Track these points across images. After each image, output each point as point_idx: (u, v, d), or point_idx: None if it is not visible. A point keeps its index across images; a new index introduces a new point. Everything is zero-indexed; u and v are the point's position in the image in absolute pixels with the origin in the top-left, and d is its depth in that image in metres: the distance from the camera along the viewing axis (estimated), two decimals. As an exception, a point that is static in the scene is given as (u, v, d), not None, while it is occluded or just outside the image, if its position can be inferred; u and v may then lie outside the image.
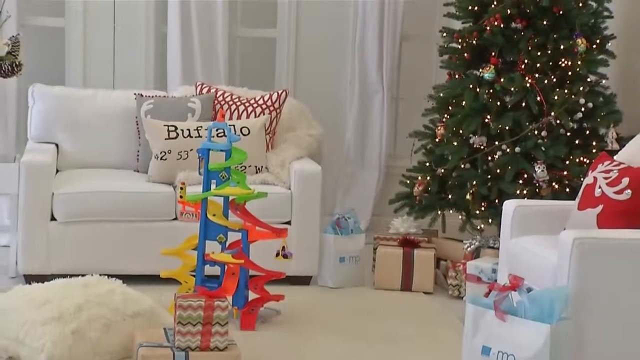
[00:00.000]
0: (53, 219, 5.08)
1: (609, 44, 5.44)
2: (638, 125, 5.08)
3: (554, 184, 5.15)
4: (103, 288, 4.13)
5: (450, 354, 4.22)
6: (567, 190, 5.11)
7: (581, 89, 5.24)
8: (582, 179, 4.65)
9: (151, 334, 3.86)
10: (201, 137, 5.21)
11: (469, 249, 5.26)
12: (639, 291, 3.69)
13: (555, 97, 5.18)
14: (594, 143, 5.27)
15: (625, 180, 4.16)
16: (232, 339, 3.78)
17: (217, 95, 5.68)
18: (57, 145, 5.58)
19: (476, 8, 5.44)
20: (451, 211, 5.53)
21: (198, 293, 3.85)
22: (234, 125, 5.32)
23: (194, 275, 4.53)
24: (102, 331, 3.90)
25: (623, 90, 5.66)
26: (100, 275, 4.30)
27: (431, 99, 5.73)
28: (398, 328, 4.66)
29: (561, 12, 5.28)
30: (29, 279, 4.91)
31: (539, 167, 5.14)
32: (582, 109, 5.22)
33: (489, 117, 5.29)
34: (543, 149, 5.17)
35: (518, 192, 5.11)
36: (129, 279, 4.47)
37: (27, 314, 3.92)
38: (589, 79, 5.33)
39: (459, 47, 5.52)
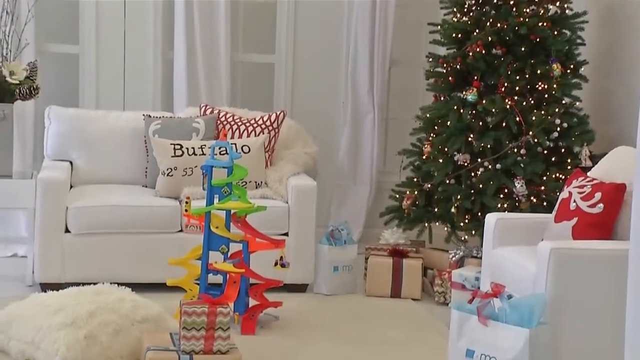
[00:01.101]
0: (67, 231, 5.07)
1: (582, 69, 5.46)
2: (609, 143, 5.09)
3: (532, 198, 5.16)
4: (113, 295, 4.12)
5: (436, 356, 4.21)
6: (545, 204, 5.11)
7: (557, 110, 5.25)
8: (558, 194, 4.65)
9: (158, 338, 3.84)
10: (205, 154, 5.22)
11: (453, 258, 5.25)
12: (610, 298, 3.69)
13: (533, 118, 5.19)
14: (569, 160, 5.27)
15: (598, 195, 4.16)
16: (233, 343, 3.77)
17: (220, 116, 5.68)
18: (71, 162, 5.57)
19: (460, 35, 5.45)
20: (437, 223, 5.53)
21: (202, 300, 3.84)
22: (235, 144, 5.32)
23: (198, 284, 4.52)
24: (112, 336, 3.89)
25: (595, 111, 5.67)
26: (111, 283, 4.30)
27: (418, 119, 5.73)
28: (388, 332, 4.66)
29: (538, 40, 5.29)
30: (45, 287, 4.89)
31: (518, 183, 5.14)
32: (558, 129, 5.24)
33: (472, 136, 5.29)
34: (522, 165, 5.18)
35: (499, 205, 5.11)
36: (138, 287, 4.47)
37: (42, 319, 3.91)
38: (563, 101, 5.34)
39: (444, 71, 5.54)
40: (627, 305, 2.91)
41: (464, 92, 5.36)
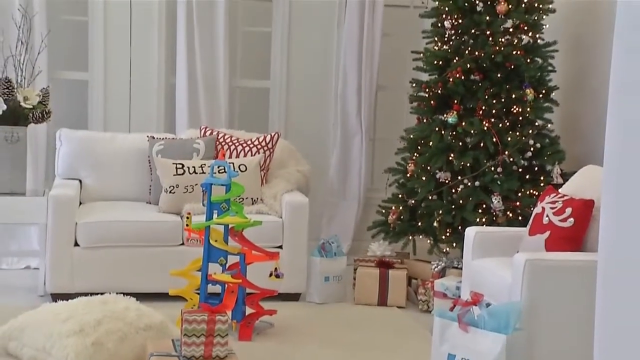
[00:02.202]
0: (76, 244, 5.06)
1: (553, 94, 5.48)
2: (578, 162, 5.11)
3: (508, 213, 5.17)
4: (119, 305, 4.11)
5: (420, 360, 4.22)
6: (520, 218, 5.12)
7: (530, 131, 5.27)
8: (532, 209, 4.66)
9: (161, 344, 3.83)
10: (205, 173, 5.22)
11: (436, 269, 5.25)
12: (580, 305, 3.68)
13: (509, 139, 5.20)
14: (542, 178, 5.28)
15: (569, 210, 4.17)
16: (231, 349, 3.75)
17: (219, 137, 5.69)
18: (80, 181, 5.57)
19: (440, 62, 5.47)
20: (421, 236, 5.53)
21: (202, 309, 3.83)
22: (233, 163, 5.33)
23: (198, 293, 4.51)
24: (118, 342, 3.88)
25: (565, 132, 5.69)
26: (117, 293, 4.29)
27: (403, 140, 5.75)
28: (375, 338, 4.65)
29: (512, 67, 5.31)
30: (55, 297, 4.88)
31: (495, 199, 5.15)
32: (531, 149, 5.25)
33: (452, 155, 5.30)
34: (499, 182, 5.19)
35: (478, 220, 5.12)
36: (142, 296, 4.46)
37: (53, 327, 3.90)
38: (536, 123, 5.36)
39: (426, 95, 5.55)
40: (595, 312, 2.91)
41: (445, 115, 5.38)
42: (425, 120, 5.58)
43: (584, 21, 5.73)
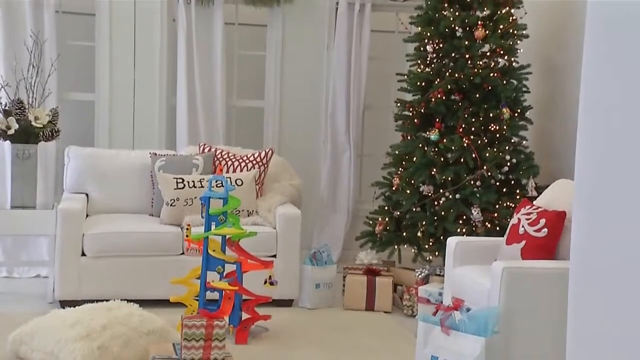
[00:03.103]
0: (83, 254, 5.04)
1: (527, 113, 5.49)
2: (551, 176, 5.12)
3: (487, 223, 5.17)
4: (123, 311, 4.10)
5: (405, 362, 4.22)
6: (497, 228, 5.12)
7: (507, 148, 5.28)
8: (509, 220, 4.67)
9: (162, 348, 3.82)
10: (203, 187, 5.22)
11: (420, 276, 5.25)
12: (554, 310, 3.69)
13: (487, 154, 5.22)
14: (518, 191, 5.29)
15: (543, 221, 4.18)
16: (228, 352, 3.74)
17: (217, 153, 5.69)
18: (87, 195, 5.56)
19: (423, 84, 5.48)
20: (405, 246, 5.53)
21: (201, 314, 3.82)
22: (230, 178, 5.32)
23: (197, 300, 4.50)
24: (122, 346, 3.87)
25: (539, 149, 5.71)
26: (121, 300, 4.28)
27: (388, 156, 5.75)
28: (363, 341, 4.64)
29: (490, 88, 5.33)
30: (64, 303, 4.86)
31: (475, 210, 5.16)
32: (508, 164, 5.26)
33: (434, 170, 5.31)
34: (478, 195, 5.19)
35: (459, 230, 5.12)
36: (145, 303, 4.44)
37: (61, 332, 3.88)
38: (512, 140, 5.37)
39: (410, 114, 5.56)
40: (568, 316, 2.92)
41: (427, 132, 5.39)
42: (409, 138, 5.59)
43: (555, 46, 5.76)
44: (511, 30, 5.40)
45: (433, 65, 5.46)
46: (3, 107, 5.31)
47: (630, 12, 2.59)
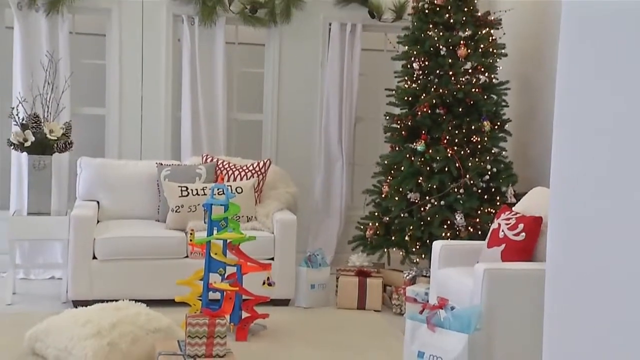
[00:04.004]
0: (94, 257, 5.04)
1: (507, 126, 5.51)
2: (529, 184, 5.13)
3: (469, 228, 5.18)
4: (131, 310, 4.09)
5: (394, 357, 4.20)
6: (479, 233, 5.13)
7: (487, 158, 5.29)
8: (490, 225, 4.67)
9: (168, 345, 3.81)
10: (206, 195, 5.22)
11: (407, 277, 5.25)
12: (532, 308, 3.69)
13: (469, 164, 5.23)
14: (498, 198, 5.30)
15: (521, 226, 4.19)
16: (229, 348, 3.74)
17: (218, 163, 5.69)
18: (98, 202, 5.55)
19: (410, 98, 5.50)
20: (394, 249, 5.53)
21: (203, 313, 3.82)
22: (230, 186, 5.32)
23: (200, 300, 4.49)
24: (130, 343, 3.86)
25: (517, 159, 5.72)
26: (129, 300, 4.27)
27: (378, 165, 5.76)
28: (355, 338, 4.64)
29: (472, 102, 5.35)
30: (76, 303, 4.86)
31: (458, 216, 5.17)
32: (489, 173, 5.27)
33: (421, 178, 5.32)
34: (461, 202, 5.20)
35: (443, 234, 5.13)
36: (151, 303, 4.43)
37: (73, 330, 3.88)
38: (493, 151, 5.38)
39: (398, 127, 5.57)
40: (544, 313, 2.92)
41: (414, 144, 5.40)
42: (397, 148, 5.60)
43: (532, 64, 5.78)
44: (491, 49, 5.42)
45: (419, 82, 5.47)
46: (21, 121, 5.32)
47: (600, 33, 2.61)
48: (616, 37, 2.53)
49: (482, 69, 5.35)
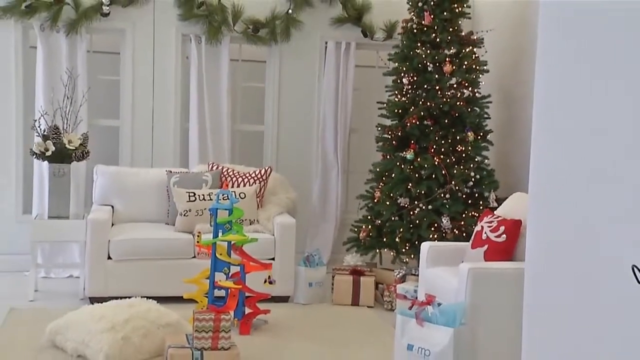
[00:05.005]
0: (109, 258, 5.03)
1: (489, 136, 5.51)
2: (509, 190, 5.14)
3: (455, 230, 5.17)
4: (143, 306, 4.09)
5: (385, 349, 4.20)
6: (464, 235, 5.13)
7: (471, 165, 5.30)
8: (473, 227, 4.67)
9: (177, 338, 3.82)
10: (212, 200, 5.21)
11: (398, 275, 5.25)
12: (512, 304, 3.69)
13: (455, 171, 5.23)
14: (481, 202, 5.30)
15: (502, 228, 4.19)
16: (233, 342, 3.74)
17: (223, 171, 5.69)
18: (112, 206, 5.54)
19: (400, 111, 5.50)
20: (385, 250, 5.53)
21: (210, 309, 3.82)
22: (234, 192, 5.33)
23: (207, 297, 4.49)
24: (142, 337, 3.86)
25: (499, 166, 5.73)
26: (141, 297, 4.27)
27: (371, 172, 5.76)
28: (349, 332, 4.64)
29: (457, 114, 5.35)
30: (93, 300, 4.85)
31: (445, 219, 5.17)
32: (472, 179, 5.27)
33: (410, 184, 5.32)
34: (447, 206, 5.21)
35: (431, 236, 5.13)
36: (161, 299, 4.44)
37: (90, 325, 3.88)
38: (476, 159, 5.38)
39: (389, 137, 5.57)
40: (523, 309, 2.93)
41: (404, 152, 5.40)
42: (388, 157, 5.60)
43: (511, 80, 5.79)
44: (474, 66, 5.43)
45: (408, 95, 5.48)
46: (42, 132, 5.32)
47: (571, 53, 2.62)
48: (590, 55, 2.54)
49: (466, 84, 5.36)
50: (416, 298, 4.45)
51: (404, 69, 5.49)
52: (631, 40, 2.29)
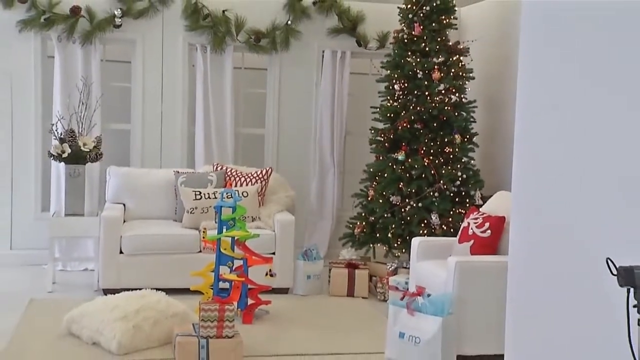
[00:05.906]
0: (121, 252, 5.03)
1: (475, 138, 5.51)
2: (494, 189, 5.14)
3: (443, 227, 5.18)
4: (153, 297, 4.10)
5: (378, 337, 4.19)
6: (452, 230, 5.13)
7: (458, 166, 5.30)
8: (460, 224, 4.68)
9: (184, 327, 3.82)
10: (216, 198, 5.21)
11: (390, 268, 5.25)
12: (496, 295, 3.69)
13: (443, 171, 5.24)
14: (467, 200, 5.31)
15: (487, 224, 4.21)
16: (237, 330, 3.75)
17: (227, 171, 5.69)
18: (124, 204, 5.53)
19: (392, 115, 5.50)
20: (378, 244, 5.52)
21: (215, 300, 3.82)
22: (237, 191, 5.32)
23: (212, 289, 4.49)
24: (152, 326, 3.87)
25: (484, 167, 5.73)
26: (151, 289, 4.27)
27: (365, 172, 5.76)
28: (345, 321, 4.64)
29: (445, 118, 5.35)
30: (106, 291, 4.84)
31: (434, 216, 5.17)
32: (459, 179, 5.27)
33: (402, 184, 5.32)
34: (436, 204, 5.21)
35: (421, 232, 5.13)
36: (170, 291, 4.44)
37: (104, 314, 3.89)
38: (463, 160, 5.37)
39: (382, 139, 5.57)
40: (507, 299, 2.94)
41: (395, 154, 5.41)
42: (381, 158, 5.60)
43: (496, 86, 5.80)
44: (461, 73, 5.44)
45: (399, 101, 5.48)
46: (59, 135, 5.33)
47: (556, 57, 2.63)
48: (573, 58, 2.55)
49: (453, 90, 5.36)
50: (407, 289, 4.45)
51: (396, 76, 5.49)
52: (612, 42, 2.31)
